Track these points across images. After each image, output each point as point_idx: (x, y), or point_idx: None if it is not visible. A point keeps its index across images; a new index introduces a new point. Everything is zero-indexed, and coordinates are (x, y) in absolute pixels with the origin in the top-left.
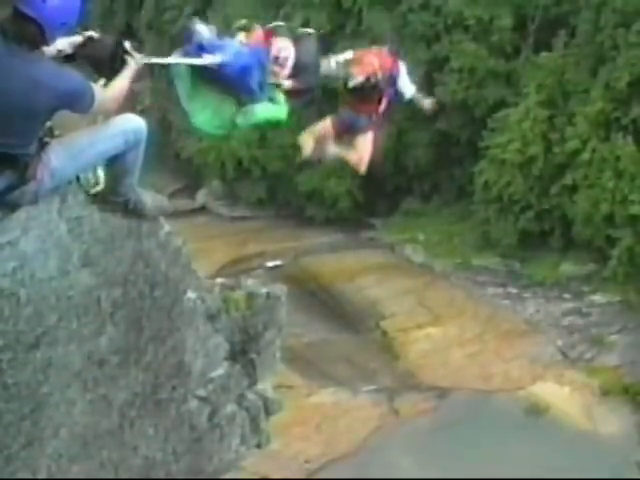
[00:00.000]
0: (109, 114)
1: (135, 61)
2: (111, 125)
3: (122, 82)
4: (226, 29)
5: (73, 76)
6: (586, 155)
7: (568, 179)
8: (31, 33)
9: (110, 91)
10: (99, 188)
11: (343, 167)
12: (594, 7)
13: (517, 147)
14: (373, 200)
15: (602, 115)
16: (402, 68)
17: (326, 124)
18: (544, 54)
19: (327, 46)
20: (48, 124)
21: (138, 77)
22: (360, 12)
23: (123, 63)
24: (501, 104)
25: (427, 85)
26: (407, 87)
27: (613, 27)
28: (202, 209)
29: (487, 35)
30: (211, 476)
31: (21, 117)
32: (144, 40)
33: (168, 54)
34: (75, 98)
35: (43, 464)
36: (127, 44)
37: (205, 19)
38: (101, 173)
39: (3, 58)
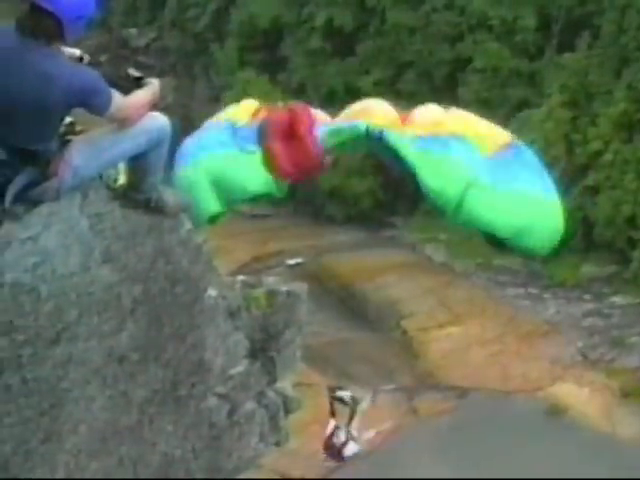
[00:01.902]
0: (127, 124)
1: (155, 82)
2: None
3: (144, 93)
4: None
5: (89, 73)
6: (608, 156)
7: (590, 180)
8: (47, 27)
9: (130, 99)
10: (121, 183)
11: (365, 166)
12: (618, 8)
13: (539, 147)
14: (394, 199)
15: (625, 116)
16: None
17: None
18: (567, 55)
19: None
20: (68, 120)
21: (159, 97)
22: (384, 11)
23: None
24: (524, 104)
25: (450, 85)
26: None
27: (637, 28)
28: None
29: (511, 35)
30: (230, 473)
31: (35, 112)
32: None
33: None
34: (90, 95)
35: (62, 460)
36: (132, 71)
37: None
38: (122, 168)
39: (18, 53)
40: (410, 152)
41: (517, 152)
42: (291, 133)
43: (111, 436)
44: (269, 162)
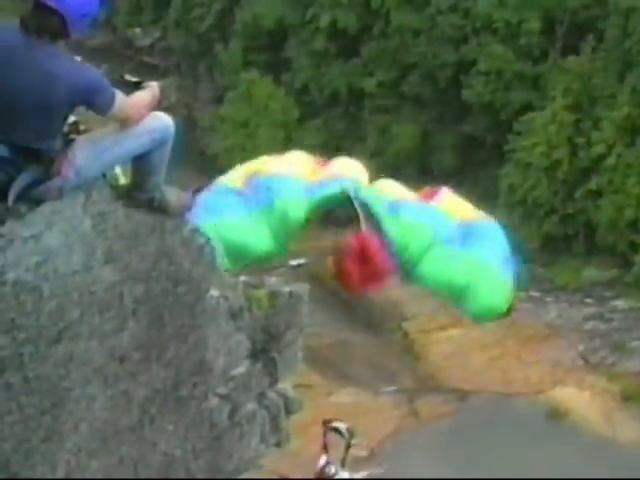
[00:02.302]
0: (129, 123)
1: (154, 84)
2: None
3: (145, 94)
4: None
5: (93, 71)
6: (611, 160)
7: (593, 184)
8: (52, 24)
9: (133, 99)
10: (122, 183)
11: (368, 167)
12: (623, 12)
13: (542, 151)
14: None
15: (628, 120)
16: None
17: None
18: (571, 58)
19: None
20: (72, 119)
21: (160, 99)
22: (388, 13)
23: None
24: (527, 107)
25: (454, 87)
26: None
27: None
28: None
29: (515, 38)
30: (230, 474)
31: (38, 110)
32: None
33: (195, 51)
34: (93, 94)
35: (62, 458)
36: (128, 76)
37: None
38: (121, 169)
39: (22, 50)
40: (382, 212)
41: (485, 226)
42: (363, 257)
43: (112, 435)
44: (344, 281)
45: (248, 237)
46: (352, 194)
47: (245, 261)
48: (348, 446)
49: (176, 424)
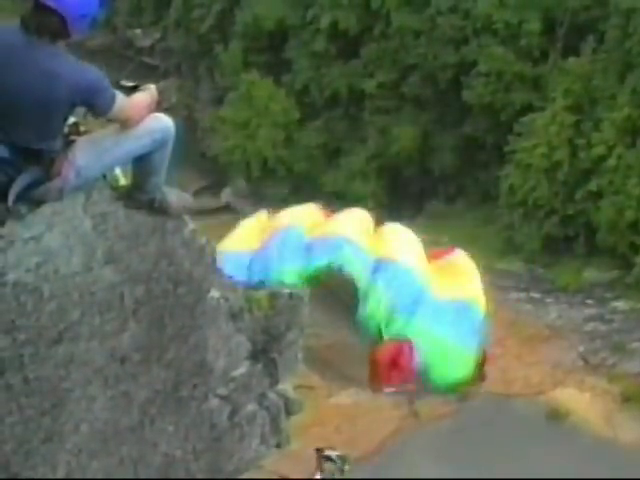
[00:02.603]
0: (129, 124)
1: (152, 87)
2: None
3: (144, 95)
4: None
5: (94, 71)
6: (612, 161)
7: (593, 185)
8: (52, 24)
9: (132, 100)
10: (124, 183)
11: (368, 169)
12: (623, 13)
13: (543, 152)
14: (398, 202)
15: (629, 121)
16: None
17: None
18: (572, 59)
19: None
20: (72, 120)
21: (159, 101)
22: (388, 14)
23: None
24: (528, 108)
25: (454, 88)
26: None
27: None
28: (226, 207)
29: (515, 39)
30: (230, 475)
31: (38, 110)
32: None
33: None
34: (94, 94)
35: (62, 459)
36: (124, 82)
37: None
38: (127, 168)
39: (23, 50)
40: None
41: (468, 305)
42: (395, 363)
43: (112, 436)
44: (374, 378)
45: None
46: (337, 269)
47: None
48: (341, 473)
49: (176, 425)
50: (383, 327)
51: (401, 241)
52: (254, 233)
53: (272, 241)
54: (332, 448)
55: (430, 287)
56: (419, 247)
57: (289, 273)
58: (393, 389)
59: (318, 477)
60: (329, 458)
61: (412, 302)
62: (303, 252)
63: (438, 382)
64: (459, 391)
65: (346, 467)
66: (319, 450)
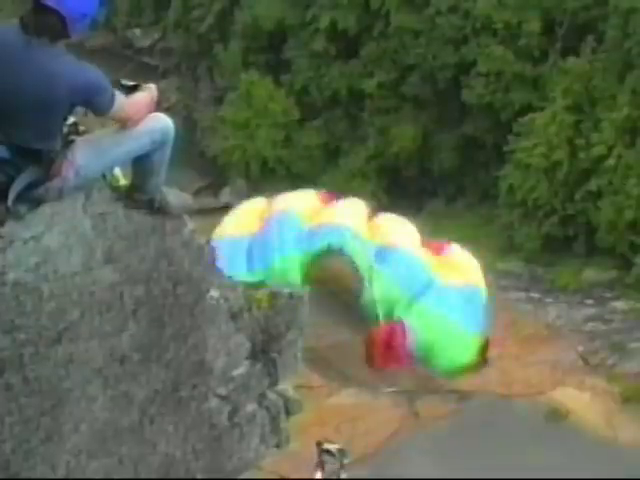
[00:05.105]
0: (129, 124)
1: (152, 86)
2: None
3: (144, 95)
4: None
5: (93, 71)
6: (611, 161)
7: (593, 185)
8: (51, 24)
9: (132, 99)
10: (124, 183)
11: (368, 168)
12: (623, 13)
13: (542, 152)
14: (397, 201)
15: (628, 121)
16: None
17: None
18: (571, 59)
19: None
20: (71, 120)
21: (159, 100)
22: (388, 14)
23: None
24: (527, 108)
25: (453, 88)
26: None
27: None
28: (226, 208)
29: (515, 39)
30: (230, 475)
31: (38, 110)
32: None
33: (195, 52)
34: (94, 93)
35: (62, 459)
36: (124, 81)
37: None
38: (126, 168)
39: (21, 51)
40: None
41: (471, 290)
42: (389, 344)
43: (112, 436)
44: (370, 359)
45: None
46: (337, 251)
47: None
48: (341, 465)
49: (176, 425)
50: (383, 312)
51: (401, 229)
52: (252, 217)
53: (271, 225)
54: (331, 442)
55: (434, 273)
56: (417, 235)
57: (290, 258)
58: (393, 389)
59: (318, 477)
60: (329, 452)
61: (420, 287)
62: (303, 236)
63: (443, 366)
64: (463, 375)
65: (346, 461)
66: (319, 444)
